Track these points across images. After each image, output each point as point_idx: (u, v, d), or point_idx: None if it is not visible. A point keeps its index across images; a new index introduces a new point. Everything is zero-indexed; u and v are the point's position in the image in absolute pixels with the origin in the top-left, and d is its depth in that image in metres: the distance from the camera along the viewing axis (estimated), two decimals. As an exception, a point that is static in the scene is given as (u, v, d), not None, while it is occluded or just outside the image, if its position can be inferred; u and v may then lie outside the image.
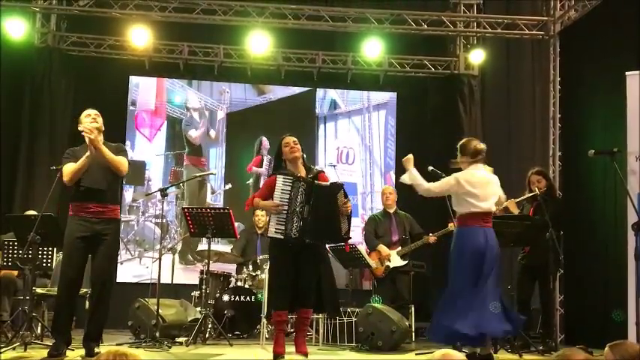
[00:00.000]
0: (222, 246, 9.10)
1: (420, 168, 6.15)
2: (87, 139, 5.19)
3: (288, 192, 5.38)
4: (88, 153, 5.20)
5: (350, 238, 5.51)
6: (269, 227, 5.45)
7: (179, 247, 8.72)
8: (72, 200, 5.36)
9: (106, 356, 2.56)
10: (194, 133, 10.00)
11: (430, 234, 7.66)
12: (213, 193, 9.92)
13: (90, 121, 5.29)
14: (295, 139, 5.61)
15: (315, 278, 5.45)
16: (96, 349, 5.24)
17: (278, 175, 5.48)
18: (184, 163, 9.91)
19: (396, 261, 7.66)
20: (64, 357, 5.19)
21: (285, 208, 5.36)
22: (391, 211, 7.91)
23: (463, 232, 5.43)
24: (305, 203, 5.35)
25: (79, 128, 5.27)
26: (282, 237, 5.35)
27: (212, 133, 10.04)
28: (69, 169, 5.26)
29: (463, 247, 5.37)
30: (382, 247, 7.67)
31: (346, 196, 5.37)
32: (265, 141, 9.97)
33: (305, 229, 5.33)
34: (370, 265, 7.53)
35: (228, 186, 9.89)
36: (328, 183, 5.48)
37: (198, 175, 8.95)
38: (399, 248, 7.70)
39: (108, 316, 5.48)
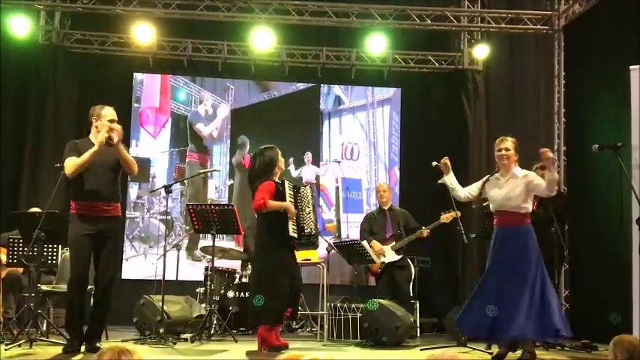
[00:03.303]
0: (226, 242, 9.12)
1: (424, 163, 6.17)
2: (102, 137, 5.20)
3: (293, 197, 5.77)
4: (95, 148, 5.20)
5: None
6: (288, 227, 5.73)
7: (184, 243, 8.73)
8: (75, 199, 5.34)
9: (110, 353, 2.57)
10: (203, 128, 9.98)
11: (423, 227, 7.66)
12: (216, 189, 9.92)
13: (114, 126, 5.31)
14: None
15: None
16: (97, 344, 5.31)
17: (286, 182, 5.84)
18: (187, 160, 9.91)
19: (390, 256, 7.67)
20: (78, 353, 5.22)
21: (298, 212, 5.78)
22: (386, 208, 7.95)
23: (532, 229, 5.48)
24: (313, 205, 5.81)
25: (109, 127, 5.24)
26: (297, 235, 5.73)
27: (214, 132, 10.05)
28: (73, 162, 5.24)
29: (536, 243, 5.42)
30: (374, 243, 7.67)
31: None
32: (246, 139, 10.00)
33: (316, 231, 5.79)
34: (375, 261, 7.53)
35: (231, 182, 9.89)
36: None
37: (202, 171, 8.96)
38: (393, 243, 7.71)
39: (109, 314, 5.54)
